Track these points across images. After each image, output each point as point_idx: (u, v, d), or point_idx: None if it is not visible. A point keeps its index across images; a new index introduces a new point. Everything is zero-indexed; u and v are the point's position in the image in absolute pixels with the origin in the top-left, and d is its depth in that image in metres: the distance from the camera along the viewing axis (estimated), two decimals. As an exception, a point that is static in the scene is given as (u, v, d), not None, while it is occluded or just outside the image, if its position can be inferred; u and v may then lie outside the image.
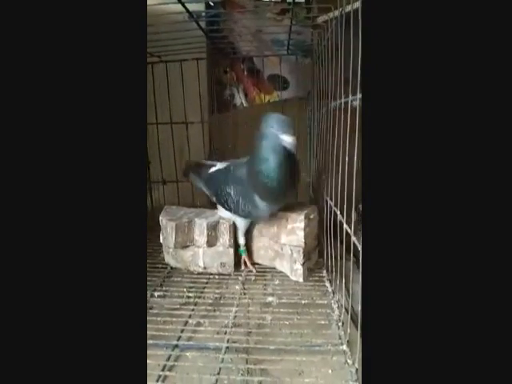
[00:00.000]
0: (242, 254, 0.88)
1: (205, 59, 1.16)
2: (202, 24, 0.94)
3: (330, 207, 0.74)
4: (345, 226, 0.60)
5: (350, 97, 0.56)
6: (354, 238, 0.52)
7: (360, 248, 0.43)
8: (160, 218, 0.88)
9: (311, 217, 0.84)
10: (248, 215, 0.80)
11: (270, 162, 0.68)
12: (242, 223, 0.85)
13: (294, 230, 0.82)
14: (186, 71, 1.13)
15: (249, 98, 1.44)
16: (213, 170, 0.90)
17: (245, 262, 0.88)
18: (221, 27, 1.25)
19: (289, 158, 0.69)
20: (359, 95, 0.47)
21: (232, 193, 0.79)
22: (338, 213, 0.67)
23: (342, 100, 0.61)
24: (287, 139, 0.64)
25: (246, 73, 1.43)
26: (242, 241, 0.87)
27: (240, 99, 1.45)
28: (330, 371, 0.54)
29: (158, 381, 0.53)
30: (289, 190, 0.75)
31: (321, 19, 0.93)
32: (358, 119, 0.43)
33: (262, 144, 0.68)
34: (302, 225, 0.81)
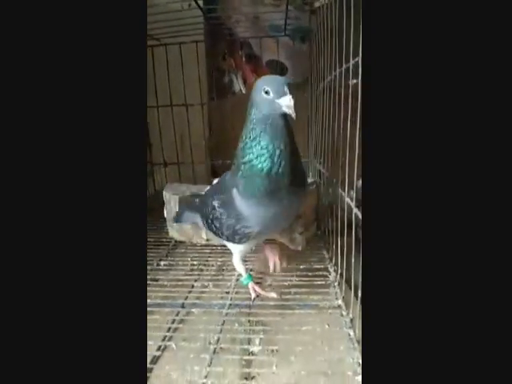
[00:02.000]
0: (246, 284, 0.66)
1: (203, 41, 1.19)
2: (200, 3, 0.96)
3: (330, 181, 0.77)
4: (346, 199, 0.60)
5: (351, 61, 0.55)
6: (355, 210, 0.53)
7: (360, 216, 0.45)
8: (164, 192, 0.92)
9: (310, 189, 0.87)
10: (233, 234, 0.57)
11: (264, 139, 0.50)
12: (236, 248, 0.64)
13: (292, 202, 0.85)
14: (186, 54, 1.15)
15: (247, 83, 1.47)
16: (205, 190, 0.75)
17: (255, 290, 0.64)
18: (218, 6, 1.27)
19: (289, 133, 0.51)
20: (359, 58, 0.47)
21: (216, 205, 0.59)
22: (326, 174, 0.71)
23: (343, 67, 0.62)
24: (285, 102, 0.47)
25: (244, 59, 1.45)
26: (240, 269, 0.67)
27: (238, 85, 1.48)
28: (326, 324, 0.57)
29: (168, 331, 0.57)
30: (294, 179, 0.52)
31: (317, 4, 0.95)
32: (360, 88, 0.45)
33: (253, 116, 0.51)
34: (299, 196, 0.84)
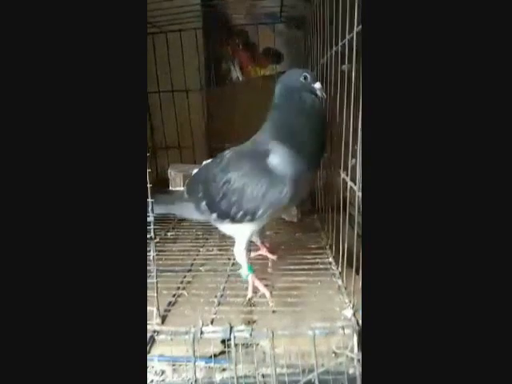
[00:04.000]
0: (245, 277, 0.62)
1: (201, 28, 1.24)
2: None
3: (326, 164, 0.83)
4: (342, 175, 0.61)
5: (340, 43, 0.61)
6: (350, 183, 0.55)
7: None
8: (169, 170, 0.99)
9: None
10: (260, 205, 0.57)
11: (309, 116, 0.58)
12: (243, 231, 0.62)
13: (288, 177, 0.93)
14: (185, 41, 1.21)
15: (244, 71, 1.52)
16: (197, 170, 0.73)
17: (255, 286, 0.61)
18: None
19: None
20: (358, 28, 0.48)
21: (234, 178, 0.58)
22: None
23: (333, 50, 0.68)
24: (319, 86, 0.61)
25: (241, 46, 1.50)
26: (242, 259, 0.63)
27: (236, 73, 1.53)
28: (318, 276, 0.66)
29: (181, 283, 0.65)
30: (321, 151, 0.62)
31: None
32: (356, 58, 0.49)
33: (295, 98, 0.59)
34: (295, 172, 0.92)
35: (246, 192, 0.57)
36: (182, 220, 0.99)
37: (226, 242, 0.83)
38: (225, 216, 0.60)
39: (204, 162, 0.73)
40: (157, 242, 0.84)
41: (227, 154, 0.65)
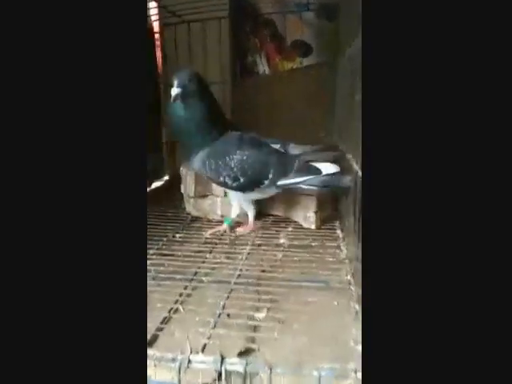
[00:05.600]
0: (228, 223, 0.86)
1: (227, 18, 1.18)
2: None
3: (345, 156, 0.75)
4: (355, 167, 0.60)
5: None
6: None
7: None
8: (181, 168, 0.94)
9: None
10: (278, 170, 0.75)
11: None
12: (248, 196, 0.81)
13: (307, 180, 0.84)
14: (208, 31, 1.15)
15: (271, 64, 1.45)
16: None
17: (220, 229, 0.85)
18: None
19: None
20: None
21: (247, 153, 0.75)
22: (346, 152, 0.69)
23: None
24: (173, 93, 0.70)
25: (269, 38, 1.43)
26: (234, 213, 0.87)
27: (262, 66, 1.46)
28: (333, 297, 0.57)
29: (181, 296, 0.59)
30: None
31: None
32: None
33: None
34: (315, 174, 0.83)
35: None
36: (194, 221, 0.94)
37: (236, 249, 0.77)
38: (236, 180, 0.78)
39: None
40: (163, 245, 0.80)
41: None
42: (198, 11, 1.06)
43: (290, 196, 0.89)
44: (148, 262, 0.70)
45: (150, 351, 0.45)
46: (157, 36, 1.23)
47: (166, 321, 0.53)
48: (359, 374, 0.40)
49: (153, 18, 1.20)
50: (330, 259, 0.69)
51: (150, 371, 0.45)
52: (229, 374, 0.43)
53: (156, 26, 1.22)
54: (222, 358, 0.42)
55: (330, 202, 0.92)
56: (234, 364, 0.42)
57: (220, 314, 0.53)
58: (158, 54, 1.26)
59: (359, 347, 0.44)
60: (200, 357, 0.43)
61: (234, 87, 1.33)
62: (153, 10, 1.17)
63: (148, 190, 1.20)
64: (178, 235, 0.84)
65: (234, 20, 1.30)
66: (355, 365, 0.41)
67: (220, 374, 0.43)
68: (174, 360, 0.43)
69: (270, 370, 0.41)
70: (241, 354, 0.45)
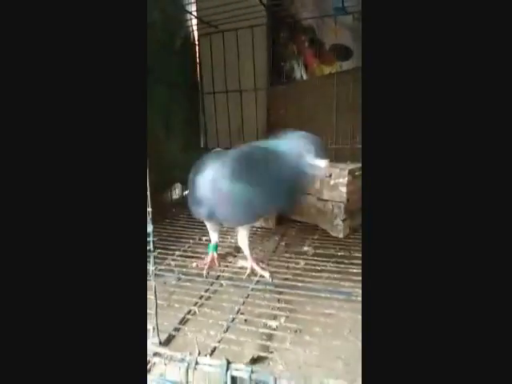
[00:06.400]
0: (211, 250, 0.73)
1: (260, 25, 1.19)
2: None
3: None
4: None
5: None
6: None
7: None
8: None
9: (356, 173, 0.83)
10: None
11: (285, 187, 0.55)
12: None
13: (336, 186, 0.82)
14: (242, 39, 1.17)
15: (309, 69, 1.43)
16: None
17: (210, 262, 0.71)
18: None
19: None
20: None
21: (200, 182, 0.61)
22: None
23: None
24: (321, 164, 0.53)
25: (307, 44, 1.42)
26: (213, 238, 0.73)
27: (300, 72, 1.45)
28: (353, 311, 0.54)
29: (201, 298, 0.60)
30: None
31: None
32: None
33: (283, 164, 0.54)
34: (345, 181, 0.80)
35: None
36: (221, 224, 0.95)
37: (258, 254, 0.77)
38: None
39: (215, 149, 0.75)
40: (188, 247, 0.82)
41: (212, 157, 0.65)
42: (233, 20, 1.08)
43: (320, 203, 0.87)
44: (173, 263, 0.72)
45: (162, 350, 0.46)
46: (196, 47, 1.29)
47: (183, 321, 0.54)
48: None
49: (193, 29, 1.25)
50: (355, 270, 0.66)
51: (161, 370, 0.46)
52: (236, 380, 0.42)
53: (195, 37, 1.27)
54: (228, 363, 0.42)
55: (360, 210, 0.88)
56: (240, 370, 0.41)
57: (233, 319, 0.53)
58: (197, 63, 1.31)
59: (373, 366, 0.42)
60: (207, 359, 0.43)
61: (269, 94, 1.34)
62: (192, 21, 1.22)
63: (185, 193, 1.24)
64: (204, 238, 0.86)
65: (271, 27, 1.31)
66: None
67: (227, 380, 0.42)
68: (182, 360, 0.44)
69: (276, 379, 0.40)
70: (252, 362, 0.44)
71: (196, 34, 1.26)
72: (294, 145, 0.55)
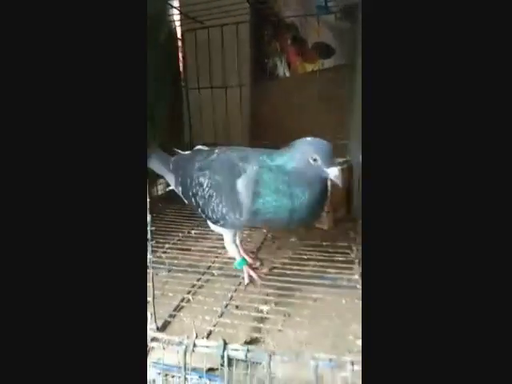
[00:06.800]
0: (240, 268, 0.65)
1: (245, 22, 1.21)
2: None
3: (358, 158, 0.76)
4: None
5: None
6: None
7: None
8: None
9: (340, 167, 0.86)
10: (220, 220, 0.58)
11: (301, 198, 0.51)
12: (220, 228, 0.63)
13: (320, 180, 0.85)
14: (227, 35, 1.19)
15: (292, 67, 1.46)
16: (187, 152, 0.73)
17: (250, 275, 0.63)
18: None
19: (324, 189, 0.54)
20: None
21: (205, 184, 0.58)
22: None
23: None
24: (334, 172, 0.50)
25: (290, 41, 1.45)
26: (232, 252, 0.65)
27: (283, 69, 1.48)
28: (338, 295, 0.58)
29: (193, 287, 0.62)
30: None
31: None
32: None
33: (298, 176, 0.51)
34: (328, 175, 0.84)
35: (211, 203, 0.57)
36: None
37: (247, 245, 0.79)
38: (195, 207, 0.62)
39: (198, 147, 0.72)
40: (178, 240, 0.83)
41: (215, 153, 0.62)
42: (218, 16, 1.09)
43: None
44: (163, 255, 0.74)
45: (159, 335, 0.48)
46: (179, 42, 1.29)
47: (178, 309, 0.56)
48: (356, 367, 0.41)
49: (176, 24, 1.25)
50: (340, 259, 0.70)
51: (159, 354, 0.48)
52: (232, 361, 0.45)
53: (178, 32, 1.27)
54: (225, 344, 0.44)
55: (343, 203, 0.92)
56: (236, 350, 0.44)
57: (227, 305, 0.55)
58: (180, 58, 1.31)
59: (358, 342, 0.45)
60: (204, 341, 0.46)
61: (252, 90, 1.36)
62: (176, 16, 1.22)
63: (168, 189, 1.25)
64: (193, 231, 0.88)
65: (255, 25, 1.32)
66: (352, 357, 0.42)
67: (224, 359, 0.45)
68: (180, 343, 0.46)
69: (270, 357, 0.43)
70: (247, 344, 0.47)
71: (180, 29, 1.26)
72: (300, 156, 0.51)
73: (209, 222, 0.65)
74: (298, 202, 0.51)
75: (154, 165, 0.74)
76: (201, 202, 0.59)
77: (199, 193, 0.59)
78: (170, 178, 0.71)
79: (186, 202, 0.68)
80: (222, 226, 0.60)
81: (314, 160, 0.50)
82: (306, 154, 0.51)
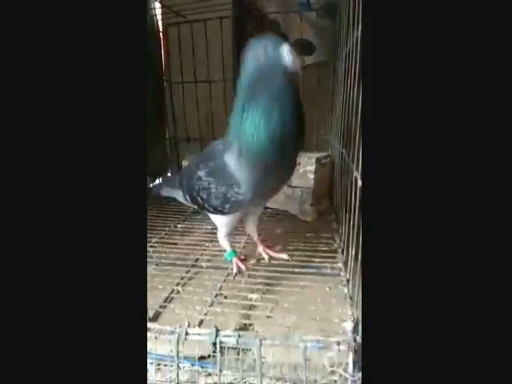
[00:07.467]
0: (229, 259, 0.67)
1: (229, 17, 1.21)
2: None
3: (340, 152, 0.79)
4: (354, 173, 0.63)
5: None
6: (355, 173, 0.53)
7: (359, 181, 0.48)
8: (183, 162, 0.98)
9: (322, 162, 0.89)
10: (224, 203, 0.57)
11: (279, 99, 0.48)
12: (222, 221, 0.64)
13: (305, 174, 0.88)
14: (210, 30, 1.19)
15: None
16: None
17: (238, 266, 0.65)
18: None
19: (294, 94, 0.50)
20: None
21: (203, 175, 0.60)
22: (343, 151, 0.72)
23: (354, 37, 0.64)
24: (286, 51, 0.47)
25: (271, 38, 1.46)
26: (224, 244, 0.67)
27: (265, 65, 1.48)
28: (323, 282, 0.61)
29: (182, 279, 0.63)
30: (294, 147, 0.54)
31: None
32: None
33: (254, 78, 0.50)
34: (312, 168, 0.87)
35: (211, 190, 0.59)
36: (196, 212, 0.98)
37: (235, 238, 0.81)
38: (201, 208, 0.64)
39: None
40: (165, 234, 0.84)
41: (207, 147, 0.65)
42: (201, 11, 1.09)
43: (289, 190, 0.92)
44: (151, 249, 0.74)
45: (151, 325, 0.49)
46: (161, 35, 1.28)
47: (168, 300, 0.57)
48: (342, 347, 0.43)
49: (157, 17, 1.24)
50: (324, 248, 0.72)
51: (150, 345, 0.49)
52: (224, 349, 0.46)
53: (160, 26, 1.26)
54: (217, 331, 0.46)
55: (326, 196, 0.95)
56: (228, 336, 0.45)
57: (217, 295, 0.57)
58: (162, 52, 1.30)
59: (344, 324, 0.48)
60: (196, 329, 0.47)
61: (235, 85, 1.36)
62: (157, 9, 1.21)
63: (152, 185, 1.24)
64: (179, 226, 0.88)
65: (237, 20, 1.33)
66: (338, 338, 0.44)
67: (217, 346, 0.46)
68: (172, 332, 0.47)
69: (260, 342, 0.44)
70: (237, 331, 0.49)
71: (163, 22, 1.25)
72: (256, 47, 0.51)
73: (212, 217, 0.66)
74: (276, 112, 0.49)
75: (166, 190, 0.82)
76: (205, 195, 0.60)
77: (201, 186, 0.60)
78: (179, 194, 0.72)
79: (196, 208, 0.69)
80: (229, 211, 0.59)
81: (265, 48, 0.49)
82: (256, 48, 0.50)
